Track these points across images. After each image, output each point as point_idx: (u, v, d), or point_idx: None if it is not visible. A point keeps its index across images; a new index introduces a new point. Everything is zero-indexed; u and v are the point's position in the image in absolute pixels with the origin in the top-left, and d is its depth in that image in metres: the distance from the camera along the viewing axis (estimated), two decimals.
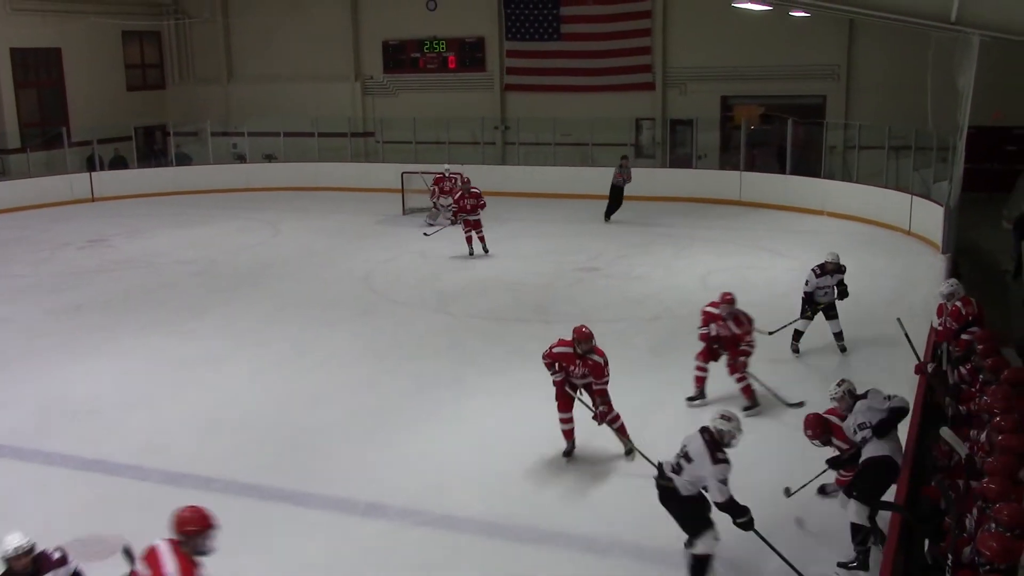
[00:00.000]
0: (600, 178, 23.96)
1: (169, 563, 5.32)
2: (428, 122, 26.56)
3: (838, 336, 11.94)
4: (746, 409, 9.67)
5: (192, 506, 5.70)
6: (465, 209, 17.67)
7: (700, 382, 10.38)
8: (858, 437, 7.02)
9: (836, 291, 11.80)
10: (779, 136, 22.79)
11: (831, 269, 11.81)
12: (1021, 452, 6.09)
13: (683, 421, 9.82)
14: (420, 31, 28.01)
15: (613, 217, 20.97)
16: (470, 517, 8.07)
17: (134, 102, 29.50)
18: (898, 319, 9.87)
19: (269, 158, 27.98)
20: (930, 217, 17.86)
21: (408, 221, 21.54)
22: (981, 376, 7.68)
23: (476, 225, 17.65)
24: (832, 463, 7.47)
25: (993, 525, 5.19)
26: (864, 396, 7.19)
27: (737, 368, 10.18)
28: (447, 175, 20.99)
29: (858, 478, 6.96)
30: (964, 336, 8.92)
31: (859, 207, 20.42)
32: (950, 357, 9.03)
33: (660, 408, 10.28)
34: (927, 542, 6.39)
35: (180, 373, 11.72)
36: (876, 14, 8.00)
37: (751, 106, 25.03)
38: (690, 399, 10.32)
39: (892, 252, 17.69)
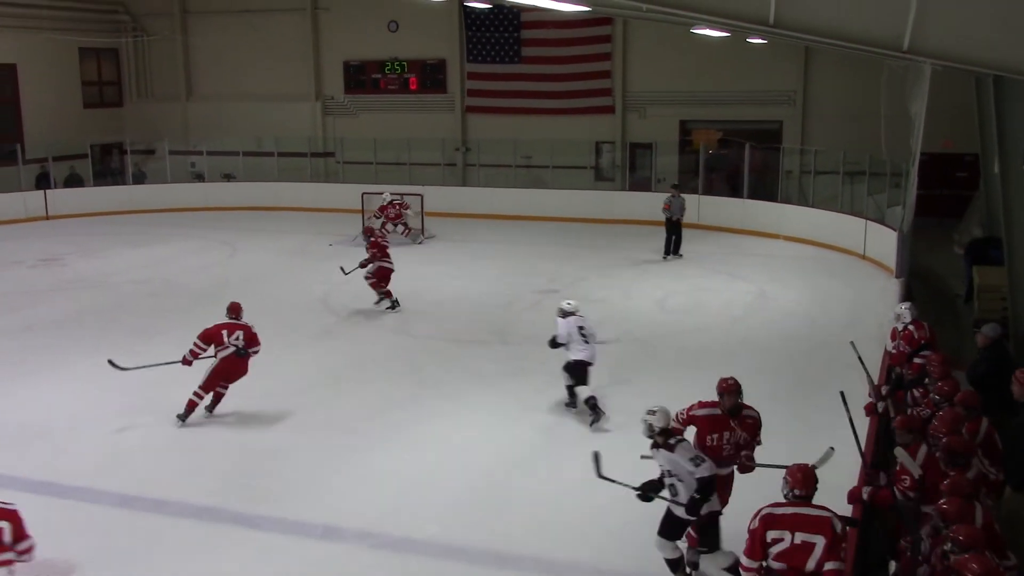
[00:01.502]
0: (559, 201, 24.17)
1: None
2: (389, 143, 26.56)
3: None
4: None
5: None
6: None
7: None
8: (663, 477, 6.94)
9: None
10: (736, 160, 23.06)
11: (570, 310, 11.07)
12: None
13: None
14: (381, 52, 28.04)
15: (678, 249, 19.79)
16: (427, 540, 8.03)
17: (91, 119, 29.19)
18: (851, 342, 9.98)
19: (228, 177, 27.76)
20: (884, 241, 18.13)
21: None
22: (932, 398, 7.78)
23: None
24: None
25: (950, 545, 5.22)
26: (675, 439, 6.85)
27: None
28: (391, 203, 21.15)
29: (703, 534, 7.01)
30: (917, 359, 9.06)
31: (814, 231, 20.69)
32: (903, 381, 9.14)
33: (619, 436, 10.27)
34: (892, 564, 6.45)
35: (133, 394, 11.51)
36: (830, 42, 8.14)
37: (709, 130, 25.31)
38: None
39: (846, 276, 17.93)
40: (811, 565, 5.70)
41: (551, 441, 10.03)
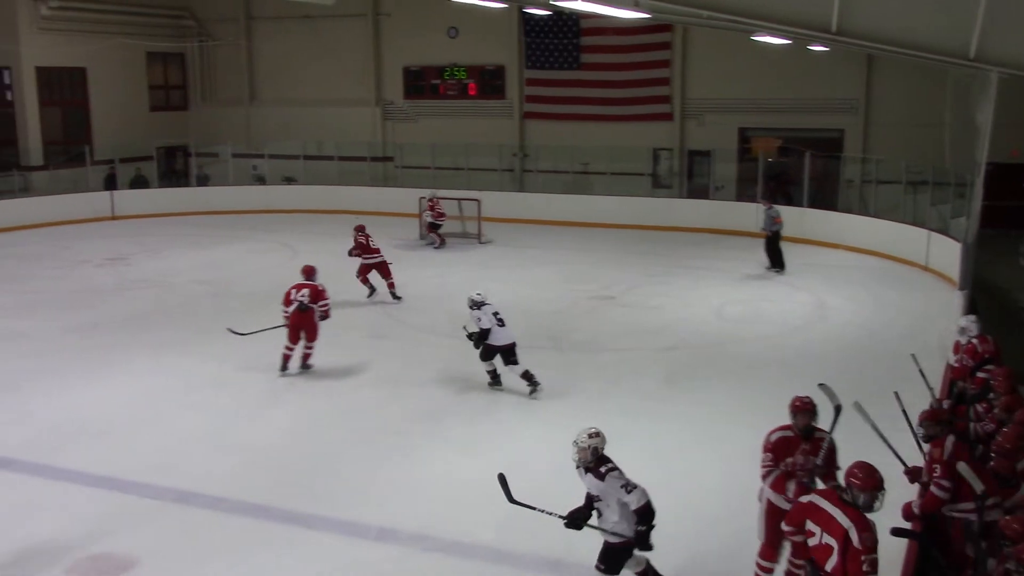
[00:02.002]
0: (616, 207, 24.09)
1: None
2: (447, 148, 26.72)
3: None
4: None
5: None
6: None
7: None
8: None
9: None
10: (796, 169, 22.80)
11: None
12: None
13: (693, 451, 9.80)
14: (441, 58, 28.24)
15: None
16: (480, 544, 8.04)
17: (157, 122, 29.84)
18: (912, 355, 9.82)
19: (289, 180, 28.17)
20: (947, 253, 17.79)
21: (425, 245, 21.67)
22: (995, 414, 7.63)
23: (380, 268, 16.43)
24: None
25: (1014, 564, 5.12)
26: (607, 467, 6.61)
27: None
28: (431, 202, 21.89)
29: (608, 558, 6.74)
30: (980, 374, 8.86)
31: (875, 241, 20.37)
32: (965, 396, 8.96)
33: (671, 439, 10.21)
34: None
35: (192, 393, 11.76)
36: (895, 50, 8.02)
37: (769, 138, 25.05)
38: None
39: (908, 287, 17.63)
40: (829, 567, 5.60)
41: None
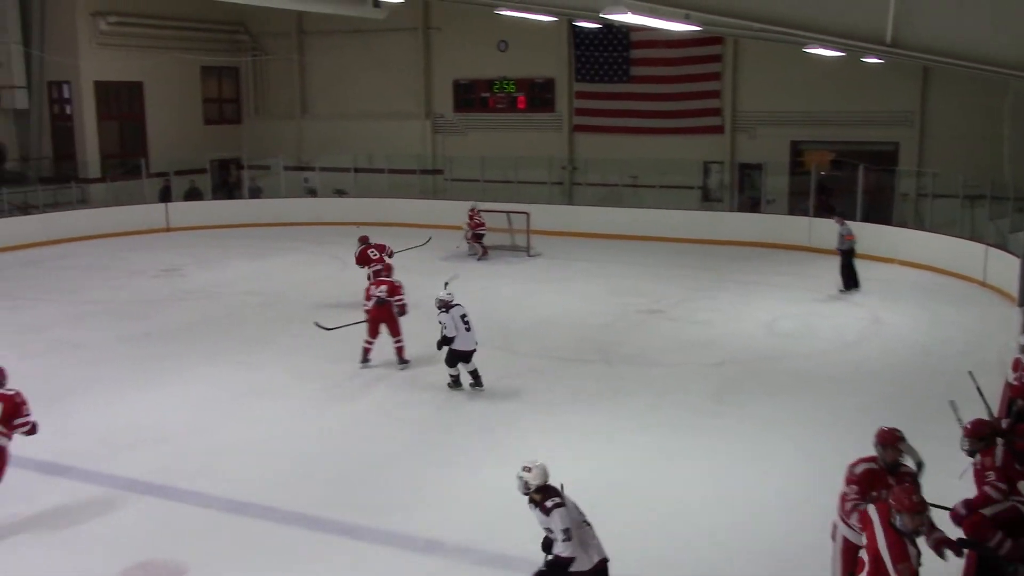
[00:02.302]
0: (665, 221, 23.96)
1: None
2: (497, 161, 26.79)
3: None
4: None
5: None
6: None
7: None
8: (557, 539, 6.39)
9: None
10: (850, 182, 22.51)
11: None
12: None
13: (745, 468, 9.68)
14: (491, 71, 28.35)
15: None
16: (524, 557, 7.98)
17: (210, 136, 30.31)
18: (970, 372, 9.61)
19: (339, 193, 28.43)
20: (1006, 268, 17.42)
21: (468, 256, 21.77)
22: None
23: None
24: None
25: None
26: (554, 501, 6.41)
27: None
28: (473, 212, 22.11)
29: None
30: None
31: (931, 256, 20.03)
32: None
33: (722, 459, 10.10)
34: None
35: (243, 402, 11.88)
36: (952, 62, 7.88)
37: (822, 151, 24.79)
38: None
39: (965, 303, 17.29)
40: None
41: (651, 464, 9.91)
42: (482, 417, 11.31)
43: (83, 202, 25.87)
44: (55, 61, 26.98)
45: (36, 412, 8.36)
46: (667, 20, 12.00)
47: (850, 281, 18.01)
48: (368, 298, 13.13)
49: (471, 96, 28.98)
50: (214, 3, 24.24)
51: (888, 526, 5.45)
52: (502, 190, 26.00)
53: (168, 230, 25.55)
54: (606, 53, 26.67)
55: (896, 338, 15.01)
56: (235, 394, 12.18)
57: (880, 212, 22.01)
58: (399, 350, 13.23)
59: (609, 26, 24.06)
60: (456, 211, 23.75)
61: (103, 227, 24.35)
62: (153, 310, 16.90)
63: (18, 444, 8.43)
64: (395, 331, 13.18)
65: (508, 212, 22.54)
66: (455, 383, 12.21)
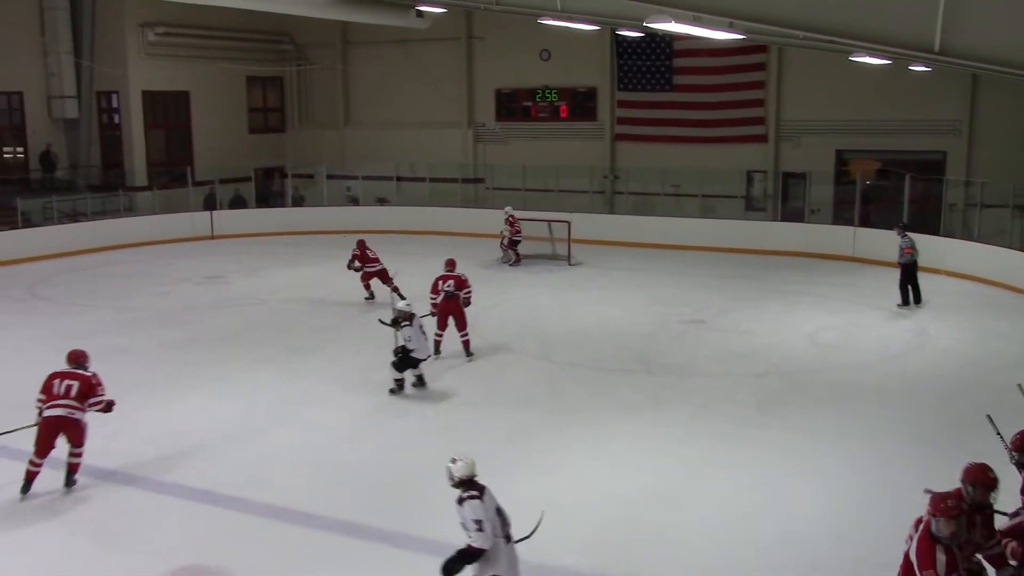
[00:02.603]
0: (708, 230, 23.82)
1: None
2: (538, 169, 26.80)
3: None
4: None
5: None
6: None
7: None
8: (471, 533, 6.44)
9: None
10: (896, 192, 22.23)
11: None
12: None
13: (790, 480, 9.58)
14: (533, 80, 28.41)
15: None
16: (566, 567, 7.97)
17: (255, 144, 30.67)
18: (1019, 385, 9.43)
19: (381, 201, 28.60)
20: None
21: (501, 263, 21.82)
22: None
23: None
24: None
25: None
26: (469, 494, 6.52)
27: None
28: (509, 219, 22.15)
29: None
30: None
31: (980, 267, 19.70)
32: None
33: (766, 470, 10.00)
34: None
35: (285, 409, 11.96)
36: (1001, 69, 7.76)
37: (867, 160, 24.52)
38: None
39: (1014, 315, 16.98)
40: None
41: (695, 475, 9.82)
42: (522, 426, 11.28)
43: (130, 210, 26.27)
44: (104, 71, 27.48)
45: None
46: (711, 29, 11.96)
47: (908, 296, 17.22)
48: (436, 292, 14.03)
49: (513, 105, 29.05)
50: (260, 14, 24.55)
51: (925, 533, 5.39)
52: (543, 199, 26.00)
53: (213, 238, 25.84)
54: (649, 62, 26.61)
55: (942, 350, 14.78)
56: (277, 401, 12.28)
57: (927, 222, 21.70)
58: (466, 343, 14.07)
59: (652, 35, 24.01)
60: (497, 220, 23.76)
61: (149, 234, 24.69)
62: (197, 317, 17.09)
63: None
64: (462, 325, 14.05)
65: (549, 221, 22.53)
66: (399, 387, 12.38)
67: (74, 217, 25.26)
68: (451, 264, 14.63)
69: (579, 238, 22.65)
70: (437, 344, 13.90)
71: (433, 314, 14.04)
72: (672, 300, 18.23)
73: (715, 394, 12.49)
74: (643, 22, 11.88)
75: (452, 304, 13.97)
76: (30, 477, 9.13)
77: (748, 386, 12.85)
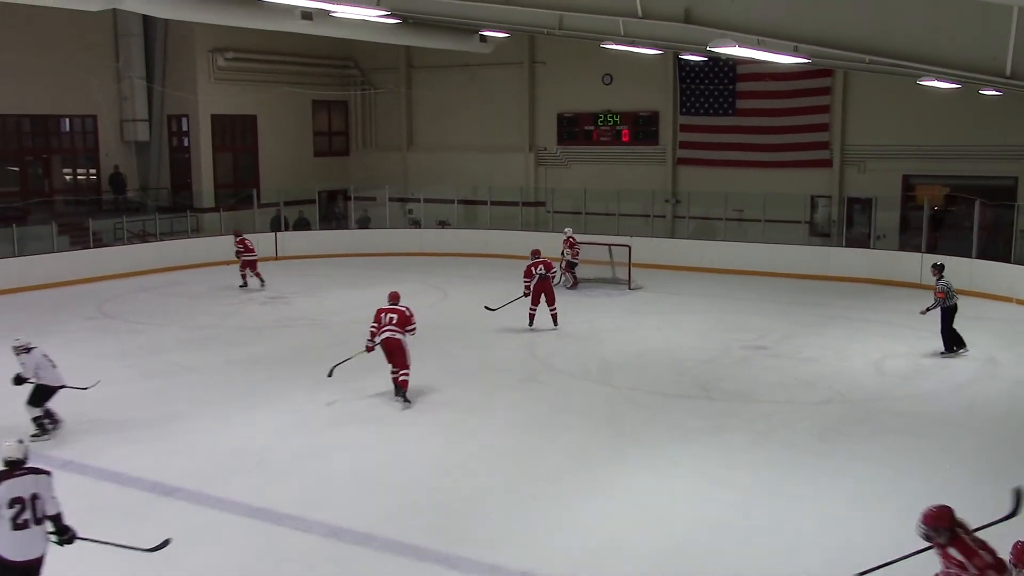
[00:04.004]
0: (770, 255, 23.56)
1: None
2: (599, 193, 26.80)
3: None
4: None
5: None
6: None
7: None
8: None
9: None
10: (965, 218, 21.78)
11: None
12: None
13: (855, 512, 9.39)
14: (595, 104, 28.46)
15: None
16: None
17: (319, 167, 31.15)
18: None
19: (442, 224, 28.81)
20: None
21: (574, 291, 21.68)
22: None
23: None
24: None
25: None
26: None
27: None
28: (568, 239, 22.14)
29: None
30: None
31: None
32: None
33: (829, 500, 9.82)
34: None
35: (345, 429, 12.05)
36: None
37: (935, 186, 24.10)
38: None
39: None
40: None
41: (755, 504, 9.68)
42: (582, 451, 11.22)
43: (197, 231, 26.77)
44: (175, 95, 28.18)
45: (150, 432, 8.65)
46: (775, 53, 11.87)
47: (950, 343, 15.64)
48: (529, 275, 17.17)
49: (575, 129, 29.12)
50: (326, 39, 24.94)
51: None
52: (603, 223, 25.97)
53: (277, 259, 26.22)
54: (711, 86, 26.52)
55: (1012, 379, 14.41)
56: (337, 421, 12.37)
57: (998, 249, 21.23)
58: (554, 316, 17.28)
59: (715, 59, 23.93)
60: (556, 243, 23.73)
61: (216, 255, 25.08)
62: (261, 336, 17.33)
63: (130, 464, 8.68)
64: (551, 300, 17.24)
65: (610, 245, 22.48)
66: (41, 429, 11.30)
67: (143, 237, 25.85)
68: (537, 253, 17.40)
69: (639, 262, 22.55)
70: (531, 317, 17.22)
71: (526, 294, 17.23)
72: (734, 325, 18.05)
73: (777, 422, 12.30)
74: (707, 46, 11.83)
75: (544, 284, 17.08)
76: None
77: (811, 414, 12.65)
